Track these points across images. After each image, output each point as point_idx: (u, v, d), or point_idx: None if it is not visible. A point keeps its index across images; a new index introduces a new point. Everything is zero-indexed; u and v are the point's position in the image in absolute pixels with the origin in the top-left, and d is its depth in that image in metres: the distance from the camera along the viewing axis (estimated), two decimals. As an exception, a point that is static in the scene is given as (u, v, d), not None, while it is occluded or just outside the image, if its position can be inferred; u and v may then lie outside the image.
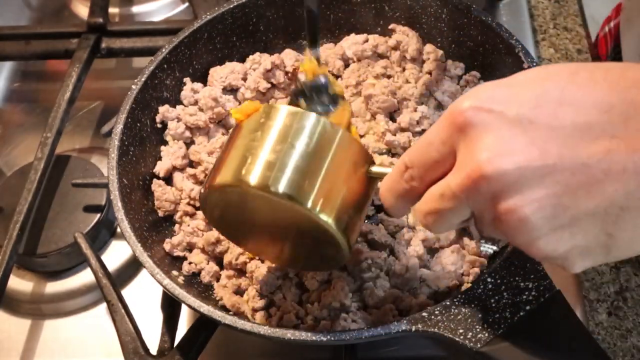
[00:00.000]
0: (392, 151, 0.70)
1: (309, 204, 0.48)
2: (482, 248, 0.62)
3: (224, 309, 0.62)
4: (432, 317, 0.52)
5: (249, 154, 0.49)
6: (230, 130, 0.57)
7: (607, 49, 0.91)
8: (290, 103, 0.62)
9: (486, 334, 0.49)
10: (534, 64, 0.66)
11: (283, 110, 0.51)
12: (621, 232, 0.36)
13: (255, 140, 0.50)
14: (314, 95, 0.60)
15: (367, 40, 0.78)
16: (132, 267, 0.75)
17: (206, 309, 0.55)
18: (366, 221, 0.66)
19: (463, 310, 0.52)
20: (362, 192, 0.51)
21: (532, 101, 0.36)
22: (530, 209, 0.36)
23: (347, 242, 0.50)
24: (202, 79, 0.77)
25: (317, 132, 0.49)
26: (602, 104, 0.35)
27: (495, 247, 0.61)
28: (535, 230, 0.36)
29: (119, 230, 0.73)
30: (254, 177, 0.48)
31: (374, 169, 0.51)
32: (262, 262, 0.65)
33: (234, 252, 0.65)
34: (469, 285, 0.60)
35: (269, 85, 0.75)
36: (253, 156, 0.49)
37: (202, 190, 0.53)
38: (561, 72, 0.37)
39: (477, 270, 0.62)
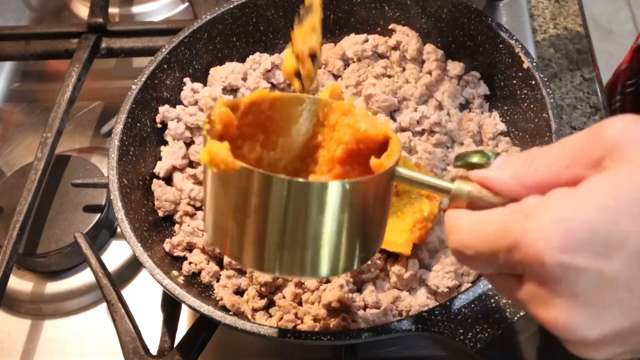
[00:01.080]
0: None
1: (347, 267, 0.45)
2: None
3: (224, 309, 0.62)
4: (432, 317, 0.52)
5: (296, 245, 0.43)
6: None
7: (639, 62, 0.91)
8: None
9: (486, 334, 0.49)
10: (534, 64, 0.66)
11: (289, 185, 0.42)
12: None
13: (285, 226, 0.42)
14: None
15: (367, 40, 0.78)
16: (132, 267, 0.75)
17: (206, 309, 0.55)
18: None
19: (463, 310, 0.52)
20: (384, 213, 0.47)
21: (636, 259, 0.31)
22: None
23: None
24: (202, 79, 0.77)
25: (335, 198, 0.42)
26: None
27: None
28: None
29: (119, 230, 0.73)
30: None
31: (404, 172, 0.44)
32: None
33: (234, 252, 0.65)
34: (469, 285, 0.60)
35: (269, 85, 0.76)
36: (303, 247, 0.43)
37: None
38: None
39: (477, 270, 0.62)
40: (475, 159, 0.40)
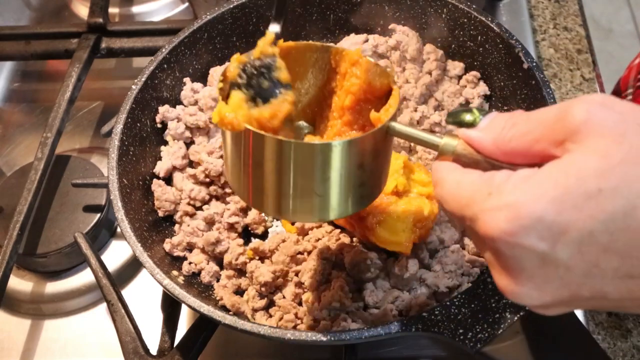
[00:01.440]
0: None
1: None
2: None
3: (224, 309, 0.62)
4: (432, 317, 0.52)
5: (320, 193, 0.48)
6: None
7: None
8: (222, 90, 0.51)
9: (486, 334, 0.49)
10: (534, 64, 0.66)
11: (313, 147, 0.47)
12: None
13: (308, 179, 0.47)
14: (253, 77, 0.50)
15: (367, 40, 0.78)
16: (132, 267, 0.75)
17: (206, 309, 0.55)
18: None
19: (463, 310, 0.52)
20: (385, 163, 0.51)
21: (575, 245, 0.34)
22: None
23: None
24: (202, 79, 0.77)
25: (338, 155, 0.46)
26: None
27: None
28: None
29: (119, 230, 0.73)
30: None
31: (397, 127, 0.48)
32: (262, 262, 0.65)
33: (234, 252, 0.65)
34: (469, 285, 0.60)
35: (269, 85, 0.75)
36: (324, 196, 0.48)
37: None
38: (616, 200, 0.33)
39: (477, 270, 0.62)
40: (464, 118, 0.44)
